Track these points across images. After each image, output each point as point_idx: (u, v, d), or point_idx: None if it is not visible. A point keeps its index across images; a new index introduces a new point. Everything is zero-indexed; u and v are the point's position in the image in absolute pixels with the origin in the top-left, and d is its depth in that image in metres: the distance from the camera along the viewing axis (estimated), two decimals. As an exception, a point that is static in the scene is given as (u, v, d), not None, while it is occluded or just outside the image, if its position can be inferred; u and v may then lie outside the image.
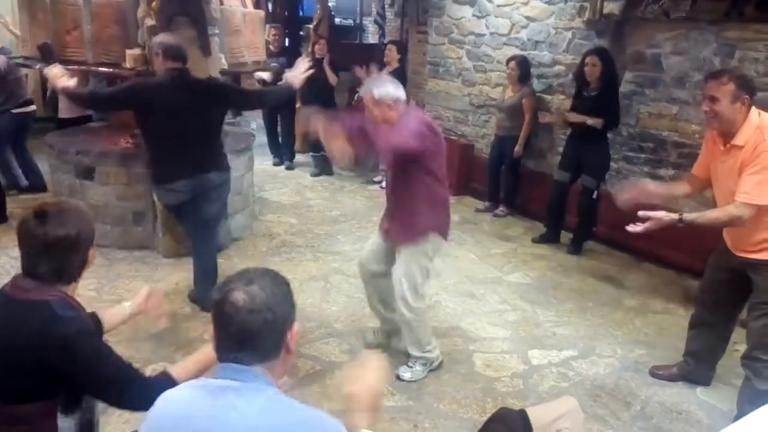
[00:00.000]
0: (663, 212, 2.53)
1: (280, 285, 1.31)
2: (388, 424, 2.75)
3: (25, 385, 1.54)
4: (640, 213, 2.58)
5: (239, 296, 1.24)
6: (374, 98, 2.81)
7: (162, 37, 3.51)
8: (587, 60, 4.59)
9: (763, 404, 2.48)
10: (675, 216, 2.55)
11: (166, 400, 1.29)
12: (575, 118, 4.70)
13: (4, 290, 1.63)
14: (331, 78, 6.55)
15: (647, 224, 2.54)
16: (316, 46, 6.62)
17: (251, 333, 1.24)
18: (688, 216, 2.59)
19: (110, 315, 2.02)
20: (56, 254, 1.58)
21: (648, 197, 2.81)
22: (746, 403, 2.66)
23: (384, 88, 2.82)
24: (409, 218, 2.94)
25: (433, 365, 3.19)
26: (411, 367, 3.13)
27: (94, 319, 1.93)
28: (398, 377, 3.08)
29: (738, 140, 2.55)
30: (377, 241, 3.18)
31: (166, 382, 1.62)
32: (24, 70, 6.71)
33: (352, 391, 1.41)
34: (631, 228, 2.56)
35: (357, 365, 1.50)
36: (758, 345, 2.69)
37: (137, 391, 1.58)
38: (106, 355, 1.60)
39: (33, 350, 1.51)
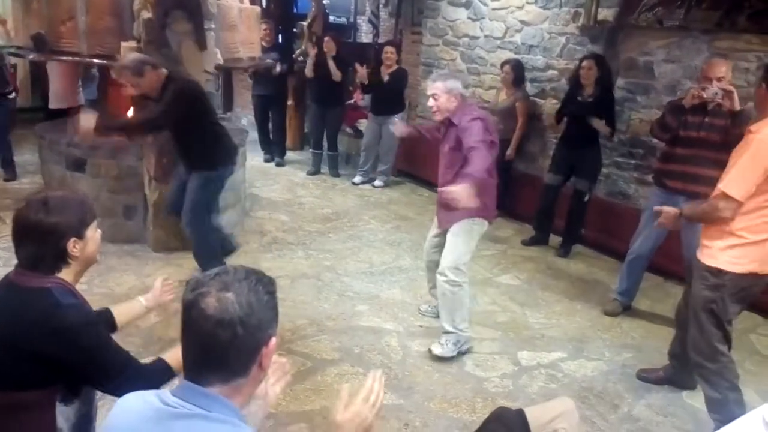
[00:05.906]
0: (667, 207, 2.86)
1: (261, 293, 1.15)
2: (379, 423, 2.75)
3: (26, 372, 1.54)
4: (654, 209, 2.91)
5: (210, 303, 1.10)
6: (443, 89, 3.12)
7: (136, 54, 3.69)
8: (584, 63, 4.62)
9: (728, 411, 2.53)
10: (678, 210, 2.79)
11: (120, 408, 1.20)
12: (599, 125, 4.62)
13: (8, 276, 1.63)
14: (335, 74, 6.39)
15: (661, 220, 2.82)
16: (324, 43, 6.51)
17: (217, 348, 1.11)
18: (686, 210, 2.80)
19: (124, 311, 2.02)
20: (30, 241, 1.59)
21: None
22: (714, 413, 2.71)
23: (453, 81, 3.16)
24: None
25: (463, 347, 3.37)
26: (443, 344, 3.31)
27: (107, 315, 1.93)
28: (429, 351, 3.33)
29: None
30: (434, 232, 3.52)
31: (161, 369, 1.66)
32: (13, 60, 6.63)
33: (339, 420, 1.32)
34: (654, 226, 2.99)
35: (351, 392, 1.38)
36: (697, 351, 2.69)
37: (133, 378, 1.58)
38: (106, 343, 1.62)
39: (35, 337, 1.51)
